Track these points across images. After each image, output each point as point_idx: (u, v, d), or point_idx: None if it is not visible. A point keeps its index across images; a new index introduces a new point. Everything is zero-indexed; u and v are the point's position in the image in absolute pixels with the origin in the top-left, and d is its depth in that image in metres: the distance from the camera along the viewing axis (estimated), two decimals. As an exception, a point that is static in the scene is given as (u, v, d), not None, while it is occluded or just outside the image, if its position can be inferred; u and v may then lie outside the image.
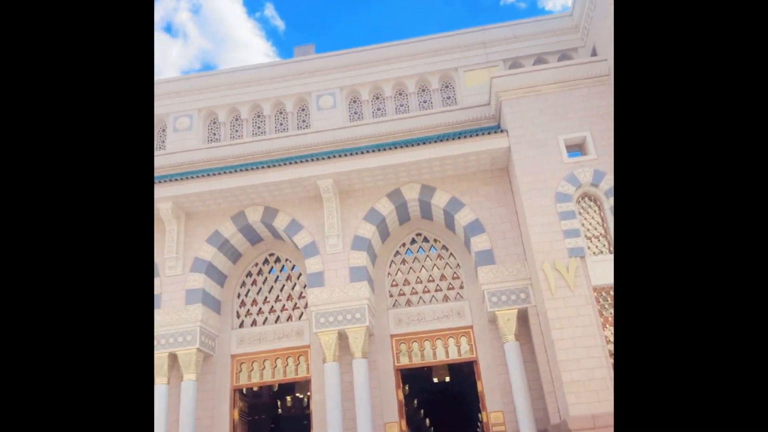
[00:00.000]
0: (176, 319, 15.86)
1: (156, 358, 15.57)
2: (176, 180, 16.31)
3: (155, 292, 16.23)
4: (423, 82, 18.72)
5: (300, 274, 17.98)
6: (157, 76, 19.35)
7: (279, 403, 23.62)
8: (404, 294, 16.96)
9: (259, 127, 18.59)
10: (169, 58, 78.11)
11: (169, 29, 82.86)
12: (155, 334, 15.71)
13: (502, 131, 15.30)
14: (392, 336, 16.33)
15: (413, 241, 17.63)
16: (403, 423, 15.41)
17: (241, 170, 16.21)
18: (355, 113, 18.43)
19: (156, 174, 16.36)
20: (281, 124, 18.61)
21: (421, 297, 16.81)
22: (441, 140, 15.43)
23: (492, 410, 15.07)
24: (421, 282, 17.00)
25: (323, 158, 15.93)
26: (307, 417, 25.14)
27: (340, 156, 15.91)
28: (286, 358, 16.94)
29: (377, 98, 18.68)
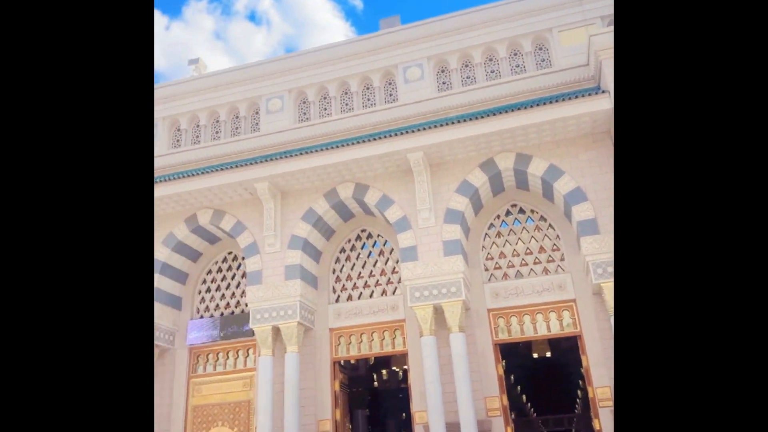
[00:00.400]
0: (277, 294, 16.45)
1: (261, 331, 16.29)
2: (271, 160, 16.76)
3: (257, 269, 16.92)
4: (514, 46, 17.84)
5: (392, 249, 18.01)
6: (243, 63, 19.96)
7: (375, 376, 24.08)
8: (500, 267, 16.48)
9: (347, 104, 18.65)
10: (253, 46, 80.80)
11: (253, 17, 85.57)
12: (259, 308, 16.41)
13: (603, 92, 14.24)
14: (489, 310, 15.97)
15: (508, 213, 17.04)
16: (504, 398, 15.10)
17: (331, 148, 16.36)
18: (444, 83, 17.95)
19: (251, 155, 16.93)
20: (369, 100, 18.54)
21: (518, 270, 16.26)
22: (537, 105, 14.64)
23: (599, 385, 14.37)
24: (518, 255, 16.43)
25: (412, 131, 15.68)
26: (402, 390, 25.49)
27: (429, 128, 15.58)
28: (383, 332, 17.12)
29: (466, 66, 18.06)
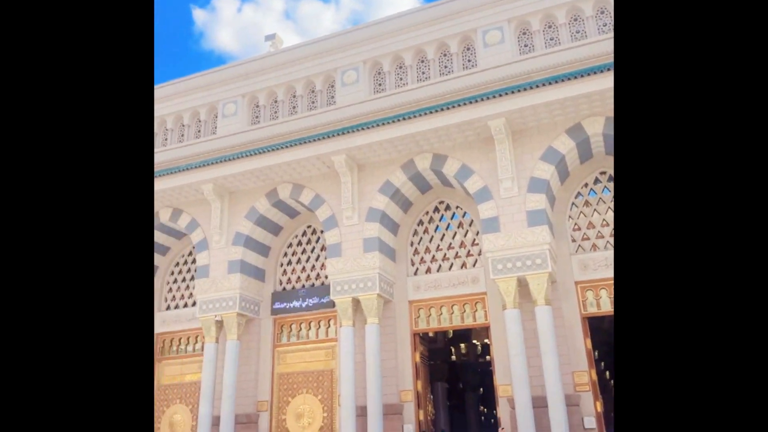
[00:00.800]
0: (356, 266, 16.53)
1: (341, 302, 16.48)
2: (347, 133, 16.70)
3: (336, 241, 17.06)
4: (601, 3, 16.61)
5: (472, 221, 17.60)
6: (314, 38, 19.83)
7: (452, 349, 23.95)
8: (589, 238, 15.69)
9: (423, 72, 18.19)
10: (323, 24, 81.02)
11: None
12: (339, 280, 16.57)
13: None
14: (577, 283, 15.29)
15: (597, 181, 16.12)
16: (593, 372, 14.51)
17: (407, 118, 16.05)
18: (526, 46, 17.07)
19: (328, 129, 16.90)
20: (446, 67, 17.97)
21: (608, 242, 15.41)
22: (629, 64, 13.57)
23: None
24: (607, 225, 15.55)
25: (493, 96, 15.07)
26: (481, 364, 25.25)
27: (511, 92, 14.91)
28: (463, 305, 16.86)
29: (550, 27, 17.06)
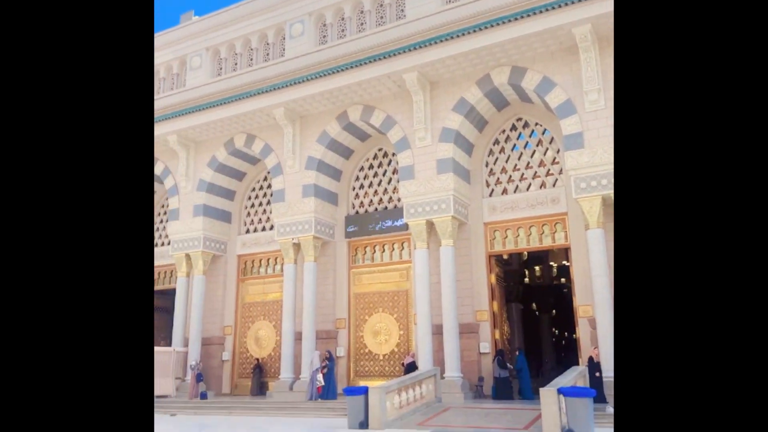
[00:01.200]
0: (429, 188, 16.25)
1: (415, 225, 16.39)
2: (418, 48, 15.91)
3: (408, 164, 16.74)
4: None
5: (552, 139, 16.68)
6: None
7: (526, 272, 23.67)
8: (683, 153, 14.48)
9: (500, -23, 16.73)
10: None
11: None
12: (412, 202, 16.39)
13: None
14: (668, 201, 14.31)
15: (695, 90, 14.64)
16: (683, 295, 13.84)
17: (483, 28, 15.01)
18: (617, -62, 15.21)
19: (398, 45, 16.14)
20: (525, -31, 16.42)
21: (705, 156, 14.17)
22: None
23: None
24: (705, 138, 14.25)
25: (579, 1, 13.71)
26: (555, 287, 24.92)
27: (600, -6, 13.48)
28: (542, 226, 16.35)
29: None
